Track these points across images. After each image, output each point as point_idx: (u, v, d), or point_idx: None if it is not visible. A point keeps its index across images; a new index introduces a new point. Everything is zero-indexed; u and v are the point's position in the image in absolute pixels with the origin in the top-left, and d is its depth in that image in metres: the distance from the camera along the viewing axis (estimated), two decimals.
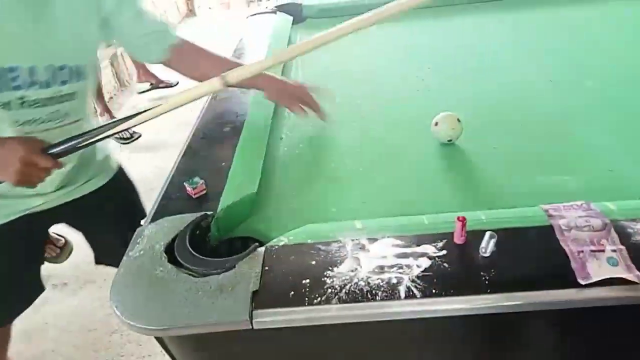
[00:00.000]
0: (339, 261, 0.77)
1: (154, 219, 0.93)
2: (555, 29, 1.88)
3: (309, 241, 0.82)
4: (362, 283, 0.73)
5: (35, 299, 1.30)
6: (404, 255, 0.77)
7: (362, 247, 0.79)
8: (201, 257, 0.81)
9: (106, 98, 3.30)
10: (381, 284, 0.72)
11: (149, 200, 1.01)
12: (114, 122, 0.92)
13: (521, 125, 1.25)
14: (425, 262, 0.75)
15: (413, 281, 0.72)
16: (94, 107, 3.30)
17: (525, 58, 1.65)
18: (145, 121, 0.91)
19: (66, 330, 1.92)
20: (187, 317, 0.72)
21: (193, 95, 0.87)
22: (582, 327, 0.79)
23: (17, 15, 0.90)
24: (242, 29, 2.04)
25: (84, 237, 1.39)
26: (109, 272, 0.99)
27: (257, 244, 0.85)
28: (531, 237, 0.79)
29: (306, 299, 0.72)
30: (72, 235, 1.74)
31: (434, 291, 0.71)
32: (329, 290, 0.72)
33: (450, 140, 1.16)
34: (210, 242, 0.91)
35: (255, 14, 2.20)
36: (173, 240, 0.86)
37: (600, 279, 0.69)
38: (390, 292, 0.71)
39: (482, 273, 0.73)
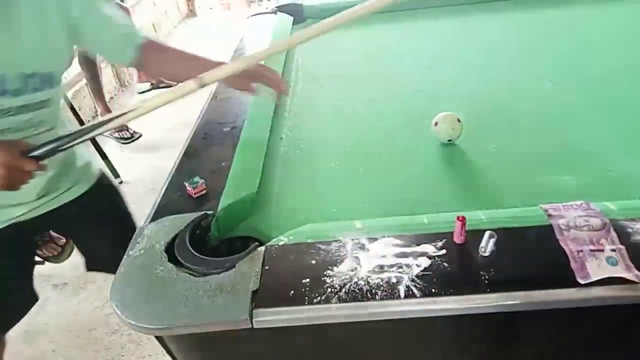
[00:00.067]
0: (338, 261, 0.77)
1: (154, 219, 0.93)
2: (556, 29, 1.88)
3: (309, 241, 0.82)
4: (362, 282, 0.73)
5: (28, 310, 1.29)
6: (404, 255, 0.77)
7: (362, 247, 0.79)
8: (201, 256, 0.81)
9: (107, 98, 3.30)
10: (381, 283, 0.72)
11: (149, 200, 1.02)
12: (92, 125, 0.91)
13: (521, 125, 1.25)
14: (425, 262, 0.75)
15: (413, 280, 0.72)
16: (94, 108, 3.31)
17: (526, 58, 1.65)
18: (124, 123, 0.91)
19: (66, 330, 1.92)
20: (187, 317, 0.72)
21: (169, 98, 0.86)
22: (581, 327, 0.79)
23: None
24: (242, 30, 2.04)
25: (74, 244, 1.38)
26: None
27: (257, 243, 0.85)
28: (531, 237, 0.79)
29: (306, 298, 0.72)
30: None
31: (433, 290, 0.71)
32: (329, 289, 0.72)
33: (450, 140, 1.17)
34: (211, 242, 0.91)
35: (255, 15, 2.20)
36: (173, 239, 0.86)
37: (599, 278, 0.69)
38: (390, 292, 0.71)
39: (481, 272, 0.73)
